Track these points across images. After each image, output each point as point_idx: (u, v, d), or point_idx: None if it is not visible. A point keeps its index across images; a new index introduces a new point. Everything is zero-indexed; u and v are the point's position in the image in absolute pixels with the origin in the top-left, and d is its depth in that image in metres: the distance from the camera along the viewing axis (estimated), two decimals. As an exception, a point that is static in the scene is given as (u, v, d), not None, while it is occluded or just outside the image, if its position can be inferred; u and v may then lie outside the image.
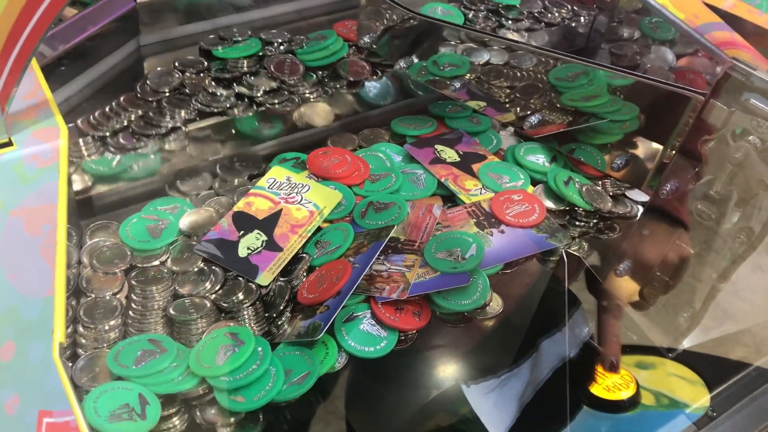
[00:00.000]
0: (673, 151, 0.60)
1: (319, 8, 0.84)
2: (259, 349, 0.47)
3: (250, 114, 0.65)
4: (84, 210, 0.60)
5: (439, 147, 0.66)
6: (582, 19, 0.87)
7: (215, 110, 0.64)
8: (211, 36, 0.73)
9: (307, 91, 0.69)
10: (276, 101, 0.66)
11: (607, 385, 0.52)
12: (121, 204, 0.61)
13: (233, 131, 0.67)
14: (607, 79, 0.64)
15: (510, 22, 0.84)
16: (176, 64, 0.68)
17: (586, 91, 0.66)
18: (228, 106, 0.65)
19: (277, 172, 0.62)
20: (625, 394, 0.52)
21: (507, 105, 0.70)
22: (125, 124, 0.62)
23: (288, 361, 0.48)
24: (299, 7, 0.82)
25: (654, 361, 0.56)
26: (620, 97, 0.64)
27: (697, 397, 0.51)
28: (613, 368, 0.53)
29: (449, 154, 0.66)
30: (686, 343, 0.56)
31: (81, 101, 0.64)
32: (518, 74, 0.69)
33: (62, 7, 0.46)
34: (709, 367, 0.55)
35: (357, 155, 0.65)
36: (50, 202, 0.47)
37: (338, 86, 0.71)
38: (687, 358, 0.55)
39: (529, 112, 0.69)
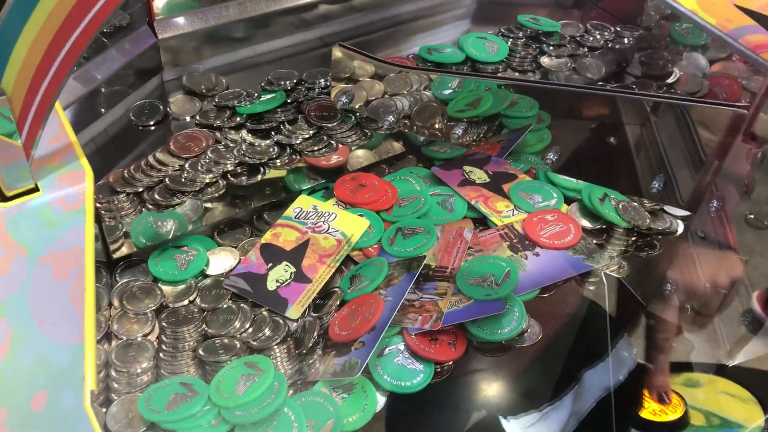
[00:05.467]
0: (716, 167, 0.58)
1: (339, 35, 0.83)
2: (276, 383, 0.46)
3: (293, 166, 0.63)
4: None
5: (467, 168, 0.65)
6: (626, 40, 0.83)
7: (258, 161, 0.62)
8: (227, 92, 0.70)
9: (345, 135, 0.66)
10: (316, 148, 0.64)
11: (654, 409, 0.50)
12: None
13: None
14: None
15: (551, 48, 0.80)
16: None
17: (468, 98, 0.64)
18: (271, 156, 0.62)
19: (304, 201, 0.61)
20: (672, 416, 0.50)
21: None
22: (161, 178, 0.59)
23: (308, 408, 0.46)
24: (322, 34, 0.81)
25: (703, 378, 0.53)
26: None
27: (750, 416, 0.49)
28: (662, 401, 0.51)
29: (478, 175, 0.64)
30: (738, 359, 0.54)
31: (106, 141, 0.64)
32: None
33: (85, 47, 0.45)
34: (763, 384, 0.52)
35: (385, 180, 0.64)
36: (78, 246, 0.46)
37: (375, 127, 0.68)
38: (738, 375, 0.52)
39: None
